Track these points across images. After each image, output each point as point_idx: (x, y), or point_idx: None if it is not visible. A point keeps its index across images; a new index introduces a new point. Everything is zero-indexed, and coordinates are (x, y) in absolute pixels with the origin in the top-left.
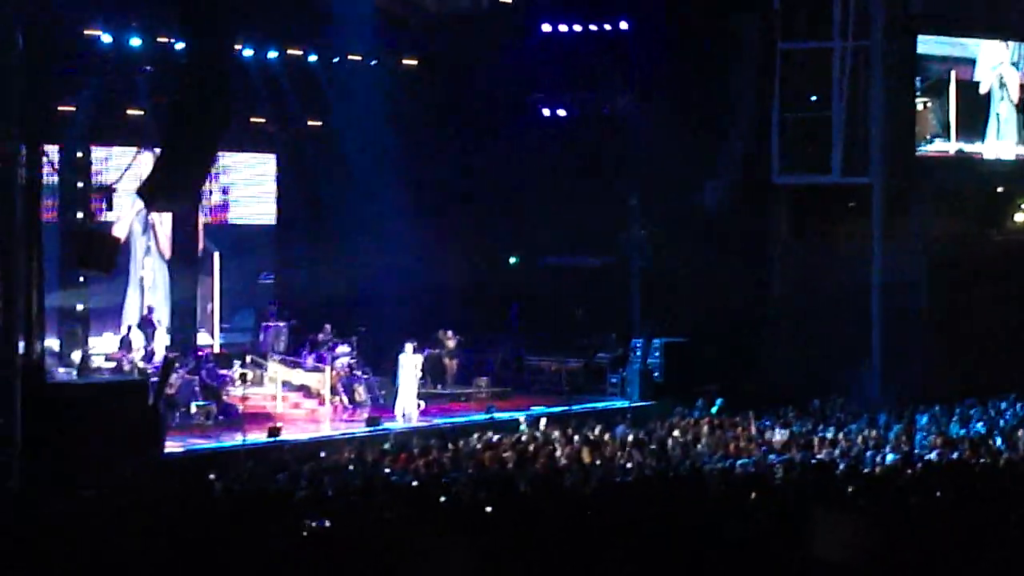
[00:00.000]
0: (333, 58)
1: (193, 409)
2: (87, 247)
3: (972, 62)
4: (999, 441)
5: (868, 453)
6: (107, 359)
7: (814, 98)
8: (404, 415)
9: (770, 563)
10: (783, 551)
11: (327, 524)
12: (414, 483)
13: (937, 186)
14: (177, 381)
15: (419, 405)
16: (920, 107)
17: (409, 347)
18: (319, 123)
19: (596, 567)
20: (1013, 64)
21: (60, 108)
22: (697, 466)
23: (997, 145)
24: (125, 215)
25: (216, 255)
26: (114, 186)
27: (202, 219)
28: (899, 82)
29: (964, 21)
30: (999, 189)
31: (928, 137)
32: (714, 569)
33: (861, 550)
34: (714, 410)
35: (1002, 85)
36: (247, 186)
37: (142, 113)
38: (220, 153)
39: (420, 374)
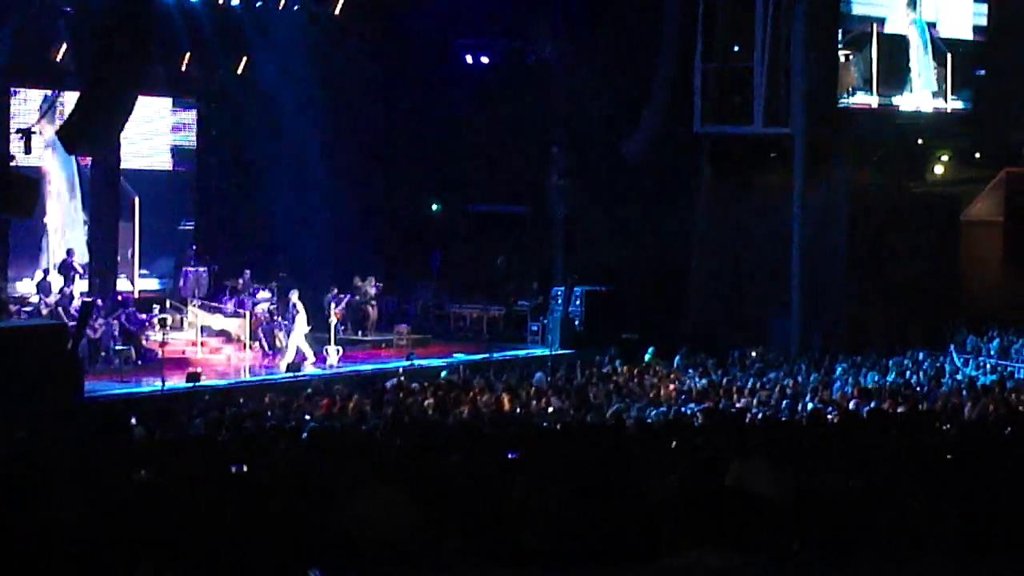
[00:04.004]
0: (256, 2)
1: (112, 354)
2: (5, 191)
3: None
4: (918, 390)
5: (785, 402)
6: (24, 303)
7: (736, 48)
8: (298, 357)
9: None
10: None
11: (244, 469)
12: (335, 429)
13: (858, 138)
14: (100, 326)
15: (338, 351)
16: (843, 59)
17: (294, 294)
18: (241, 68)
19: (516, 513)
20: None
21: None
22: (616, 413)
23: (915, 98)
24: (44, 158)
25: (136, 200)
26: (33, 129)
27: (123, 164)
28: (821, 33)
29: None
30: (919, 141)
31: (850, 90)
32: (631, 514)
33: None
34: (648, 358)
35: (919, 38)
36: (167, 132)
37: (62, 55)
38: (141, 97)
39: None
